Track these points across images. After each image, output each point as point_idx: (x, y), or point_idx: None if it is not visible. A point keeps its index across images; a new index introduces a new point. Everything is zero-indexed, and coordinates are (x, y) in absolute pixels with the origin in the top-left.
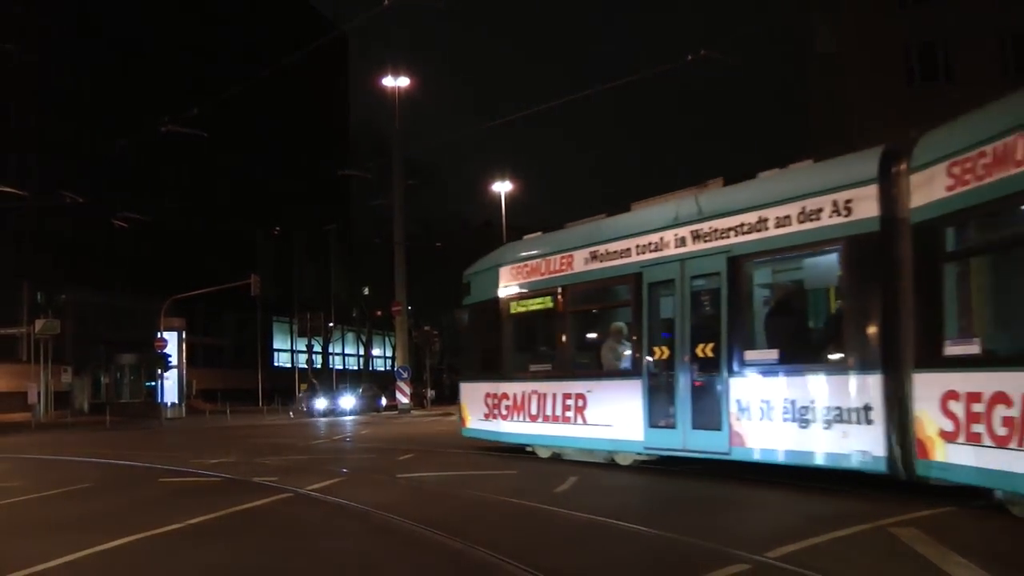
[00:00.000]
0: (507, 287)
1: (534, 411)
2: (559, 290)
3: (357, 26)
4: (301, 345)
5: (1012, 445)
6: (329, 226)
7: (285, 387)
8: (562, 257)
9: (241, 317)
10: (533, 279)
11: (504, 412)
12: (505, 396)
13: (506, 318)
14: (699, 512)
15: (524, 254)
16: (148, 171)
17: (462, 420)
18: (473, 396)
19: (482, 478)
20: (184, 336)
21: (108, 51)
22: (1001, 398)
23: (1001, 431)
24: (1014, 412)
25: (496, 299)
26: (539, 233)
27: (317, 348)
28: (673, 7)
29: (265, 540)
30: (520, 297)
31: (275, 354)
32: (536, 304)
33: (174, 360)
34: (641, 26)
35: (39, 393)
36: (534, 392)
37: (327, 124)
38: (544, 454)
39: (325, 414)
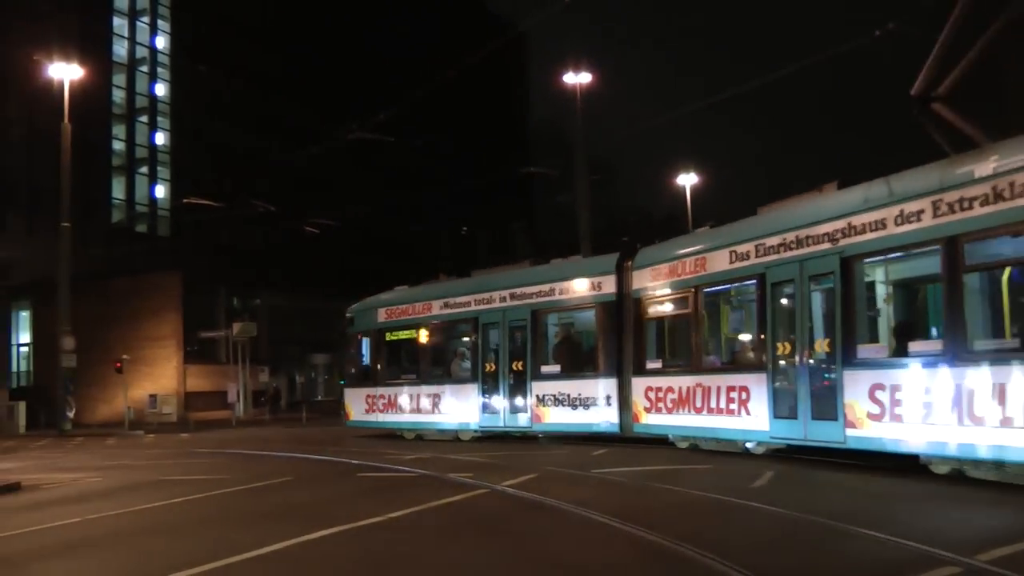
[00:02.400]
0: (384, 321)
1: (403, 406)
2: (422, 325)
3: (537, 22)
4: None
5: (675, 412)
6: (514, 224)
7: None
8: (424, 304)
9: None
10: (404, 317)
11: (381, 408)
12: (382, 396)
13: (383, 342)
14: (903, 512)
15: (398, 299)
16: (334, 176)
17: (346, 415)
18: (356, 397)
19: (677, 473)
20: None
21: (293, 63)
22: (670, 389)
23: (670, 405)
24: (675, 396)
25: (376, 329)
26: (405, 287)
27: None
28: None
29: (464, 536)
30: (394, 328)
31: None
32: (405, 334)
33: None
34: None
35: (238, 392)
36: (403, 393)
37: (510, 122)
38: (410, 436)
39: None
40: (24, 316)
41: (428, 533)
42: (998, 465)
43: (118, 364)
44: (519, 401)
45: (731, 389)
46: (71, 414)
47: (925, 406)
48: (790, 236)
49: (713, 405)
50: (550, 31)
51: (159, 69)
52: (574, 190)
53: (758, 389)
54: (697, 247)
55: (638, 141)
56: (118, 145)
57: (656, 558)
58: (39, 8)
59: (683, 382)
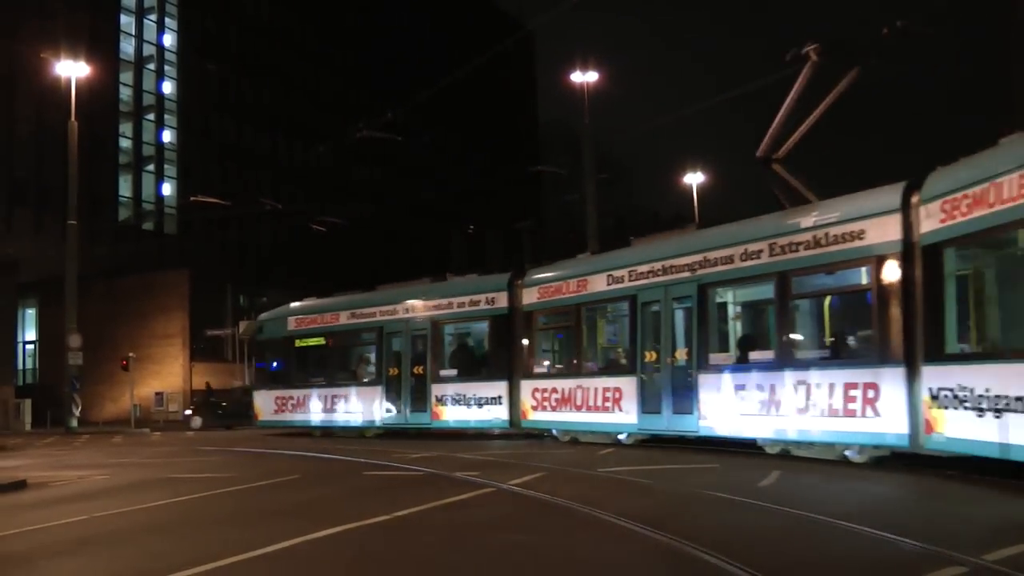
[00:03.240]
0: (294, 330)
1: (311, 406)
2: (330, 333)
3: (545, 21)
4: None
5: (558, 410)
6: (522, 223)
7: None
8: (332, 314)
9: None
10: (313, 326)
11: (290, 408)
12: (291, 398)
13: (292, 349)
14: (911, 511)
15: (307, 309)
16: (342, 175)
17: (255, 415)
18: (266, 399)
19: (684, 472)
20: None
21: (300, 61)
22: (554, 390)
23: (554, 404)
24: (559, 396)
25: (286, 336)
26: (315, 298)
27: None
28: None
29: (471, 533)
30: (304, 336)
31: None
32: (314, 341)
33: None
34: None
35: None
36: (312, 395)
37: (518, 122)
38: (317, 433)
39: None
40: (31, 314)
41: (435, 532)
42: (810, 445)
43: (124, 362)
44: (419, 401)
45: (607, 390)
46: (77, 412)
47: (759, 401)
48: (657, 265)
49: (591, 404)
50: (560, 30)
51: (166, 67)
52: (582, 189)
53: (629, 389)
54: (580, 270)
55: (649, 139)
56: (125, 143)
57: (663, 557)
58: (48, 6)
59: (565, 384)
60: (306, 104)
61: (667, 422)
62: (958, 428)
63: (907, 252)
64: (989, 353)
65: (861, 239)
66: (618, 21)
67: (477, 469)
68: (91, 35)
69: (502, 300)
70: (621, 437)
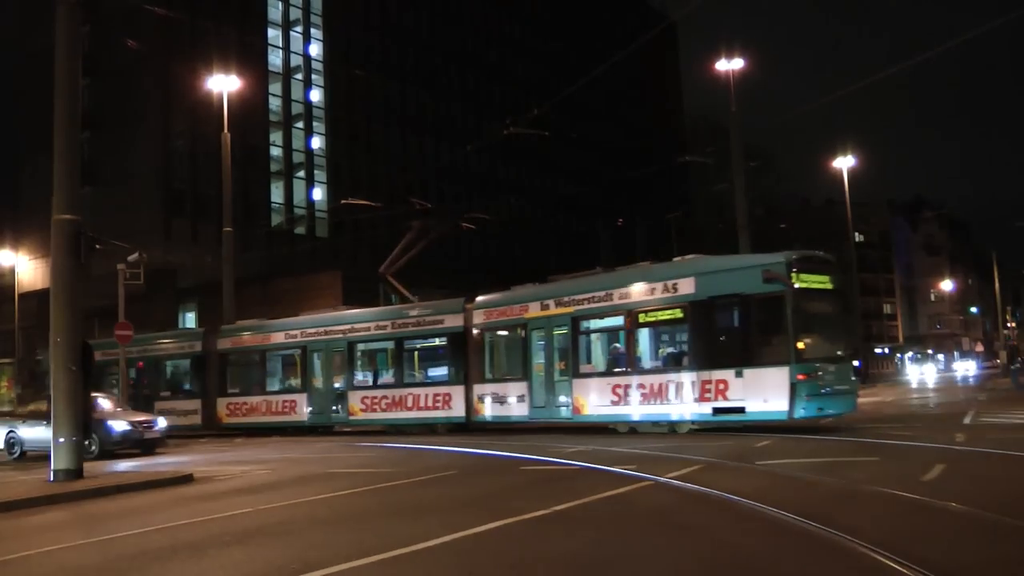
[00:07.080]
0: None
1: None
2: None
3: (689, 11)
4: None
5: (247, 416)
6: (670, 214)
7: None
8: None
9: None
10: None
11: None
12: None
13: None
14: None
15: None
16: (490, 173)
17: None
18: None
19: (844, 465)
20: None
21: (442, 63)
22: (244, 403)
23: (244, 412)
24: (248, 407)
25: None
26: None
27: None
28: None
29: (629, 527)
30: None
31: None
32: None
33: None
34: None
35: None
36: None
37: (663, 112)
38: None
39: None
40: (191, 317)
41: (596, 526)
42: (415, 425)
43: None
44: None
45: (284, 402)
46: None
47: (385, 405)
48: (320, 328)
49: (274, 410)
50: (704, 18)
51: (313, 76)
52: (731, 178)
53: (301, 401)
54: (263, 328)
55: (795, 125)
56: (276, 151)
57: (829, 553)
58: (199, 25)
59: (254, 399)
60: (451, 103)
61: (328, 417)
62: (488, 411)
63: (466, 332)
64: (498, 378)
65: (442, 323)
66: (760, 5)
67: (633, 463)
68: (240, 50)
69: (198, 346)
70: (302, 428)
